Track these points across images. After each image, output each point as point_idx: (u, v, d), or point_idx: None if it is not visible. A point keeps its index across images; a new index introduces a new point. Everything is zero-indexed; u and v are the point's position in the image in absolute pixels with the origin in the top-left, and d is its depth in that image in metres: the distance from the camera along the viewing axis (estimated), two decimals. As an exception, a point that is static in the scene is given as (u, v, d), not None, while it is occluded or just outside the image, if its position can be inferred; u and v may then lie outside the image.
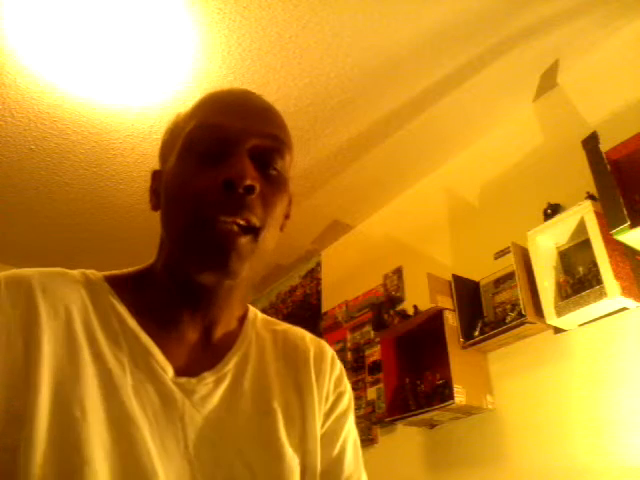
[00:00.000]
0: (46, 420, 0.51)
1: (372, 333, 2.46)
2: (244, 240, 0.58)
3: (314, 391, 0.69)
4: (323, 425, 0.70)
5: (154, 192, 0.68)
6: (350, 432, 0.73)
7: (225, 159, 0.59)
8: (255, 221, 0.59)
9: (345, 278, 2.89)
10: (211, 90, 0.68)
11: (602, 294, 1.51)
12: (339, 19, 1.78)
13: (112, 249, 2.95)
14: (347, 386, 0.75)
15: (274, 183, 0.63)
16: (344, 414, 0.73)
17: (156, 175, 0.69)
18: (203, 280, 0.61)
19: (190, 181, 0.60)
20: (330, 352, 0.76)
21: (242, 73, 1.96)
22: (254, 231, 0.59)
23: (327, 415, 0.71)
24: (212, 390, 0.62)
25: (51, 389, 0.53)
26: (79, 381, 0.55)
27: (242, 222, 0.58)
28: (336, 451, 0.70)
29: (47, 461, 0.50)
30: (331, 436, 0.70)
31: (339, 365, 0.76)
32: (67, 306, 0.59)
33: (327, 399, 0.71)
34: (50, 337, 0.55)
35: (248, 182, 0.57)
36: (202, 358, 0.64)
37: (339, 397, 0.73)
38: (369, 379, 2.44)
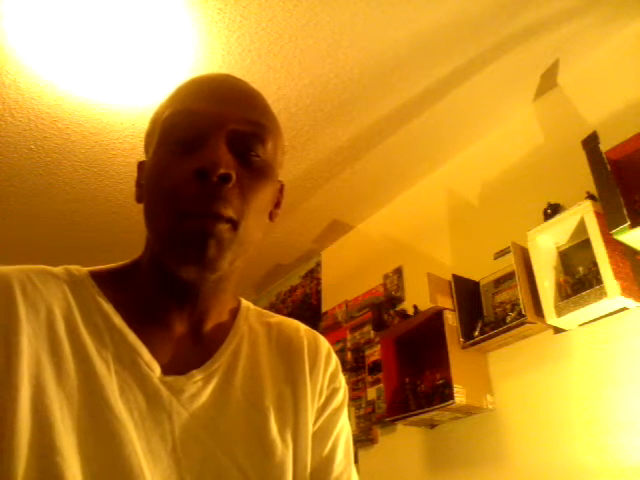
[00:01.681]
0: (27, 423, 0.49)
1: (372, 333, 2.46)
2: (223, 227, 0.55)
3: (307, 385, 0.67)
4: (316, 422, 0.68)
5: (138, 184, 0.66)
6: (343, 429, 0.71)
7: (200, 147, 0.56)
8: (231, 214, 0.56)
9: (345, 278, 2.89)
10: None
11: (602, 294, 1.51)
12: (339, 19, 1.78)
13: (112, 249, 2.95)
14: (342, 382, 0.73)
15: (255, 171, 0.59)
16: (337, 411, 0.71)
17: (140, 166, 0.67)
18: (184, 275, 0.58)
19: (166, 172, 0.57)
20: (325, 346, 0.74)
21: (242, 73, 1.96)
22: (232, 222, 0.56)
23: (320, 411, 0.69)
24: (201, 388, 0.60)
25: (32, 391, 0.50)
26: (61, 382, 0.52)
27: (214, 215, 0.55)
28: (327, 450, 0.68)
29: (29, 465, 0.48)
30: (323, 433, 0.68)
31: (334, 360, 0.74)
32: (48, 305, 0.56)
33: (321, 395, 0.69)
34: (31, 338, 0.53)
35: (222, 171, 0.54)
36: (191, 354, 0.62)
37: (333, 393, 0.71)
38: (369, 379, 2.44)
